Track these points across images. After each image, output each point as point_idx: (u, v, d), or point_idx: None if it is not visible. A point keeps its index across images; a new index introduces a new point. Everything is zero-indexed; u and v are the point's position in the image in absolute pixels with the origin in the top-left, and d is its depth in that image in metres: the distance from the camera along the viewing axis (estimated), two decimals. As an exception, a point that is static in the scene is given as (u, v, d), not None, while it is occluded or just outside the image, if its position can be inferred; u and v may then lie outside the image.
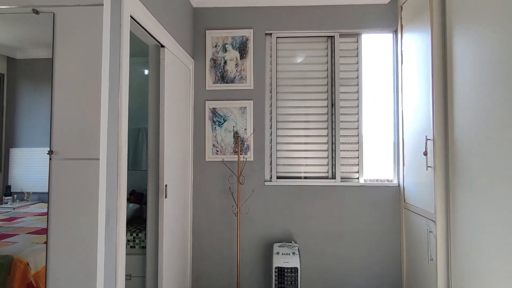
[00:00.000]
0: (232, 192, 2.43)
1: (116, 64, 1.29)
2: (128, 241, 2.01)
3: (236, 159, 2.44)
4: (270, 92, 2.53)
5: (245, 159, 2.44)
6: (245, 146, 2.45)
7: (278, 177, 2.50)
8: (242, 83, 2.48)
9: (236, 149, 2.44)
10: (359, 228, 2.39)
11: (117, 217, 1.30)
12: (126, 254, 2.01)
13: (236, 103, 2.47)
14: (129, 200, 2.46)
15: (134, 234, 2.02)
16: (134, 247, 2.02)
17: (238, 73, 2.49)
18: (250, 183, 2.44)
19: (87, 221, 1.18)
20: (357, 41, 2.51)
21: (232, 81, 2.49)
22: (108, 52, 1.23)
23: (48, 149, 1.19)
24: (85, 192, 1.18)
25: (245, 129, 2.47)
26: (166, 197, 1.89)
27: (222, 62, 2.50)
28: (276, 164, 2.50)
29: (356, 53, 2.51)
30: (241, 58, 2.49)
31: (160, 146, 1.88)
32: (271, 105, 2.52)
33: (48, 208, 1.18)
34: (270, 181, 2.48)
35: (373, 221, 2.39)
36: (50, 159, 1.19)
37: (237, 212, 2.30)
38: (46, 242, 1.17)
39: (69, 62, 1.21)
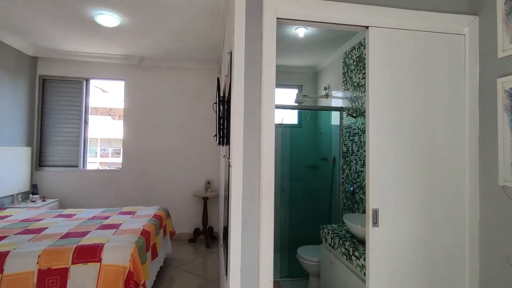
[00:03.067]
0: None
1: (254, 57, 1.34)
2: (362, 266, 1.73)
3: None
4: None
5: None
6: None
7: None
8: None
9: None
10: None
11: (259, 226, 1.32)
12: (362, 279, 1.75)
13: None
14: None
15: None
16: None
17: None
18: None
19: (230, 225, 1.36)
20: None
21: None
22: (243, 45, 1.33)
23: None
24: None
25: None
26: (376, 224, 1.41)
27: (534, -6, 1.26)
28: None
29: None
30: None
31: (367, 154, 1.45)
32: None
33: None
34: None
35: None
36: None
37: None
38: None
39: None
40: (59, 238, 2.21)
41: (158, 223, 2.85)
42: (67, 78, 4.03)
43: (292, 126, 3.77)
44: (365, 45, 2.75)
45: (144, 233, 2.40)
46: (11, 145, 3.48)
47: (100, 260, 1.95)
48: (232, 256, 1.30)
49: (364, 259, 1.71)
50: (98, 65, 4.06)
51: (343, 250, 1.97)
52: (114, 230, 2.42)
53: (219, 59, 4.01)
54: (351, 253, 1.86)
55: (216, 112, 3.54)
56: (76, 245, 2.03)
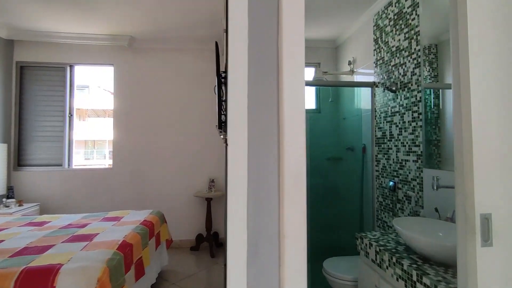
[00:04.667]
0: None
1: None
2: (438, 301, 1.11)
3: None
4: None
5: None
6: None
7: None
8: None
9: None
10: None
11: (281, 250, 0.72)
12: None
13: None
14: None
15: (449, 294, 1.07)
16: (448, 318, 1.07)
17: None
18: None
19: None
20: None
21: None
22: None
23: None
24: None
25: None
26: (488, 242, 0.79)
27: None
28: None
29: None
30: None
31: (463, 135, 0.83)
32: None
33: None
34: None
35: None
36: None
37: None
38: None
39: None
40: (9, 256, 1.66)
41: (147, 232, 2.28)
42: (49, 64, 3.51)
43: (309, 111, 3.16)
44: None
45: (124, 247, 1.83)
46: (-18, 141, 2.97)
47: (52, 290, 1.38)
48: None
49: (443, 292, 1.09)
50: (83, 48, 3.53)
51: (400, 272, 1.35)
52: (85, 243, 1.86)
53: (222, 35, 3.42)
54: (415, 279, 1.24)
55: (217, 95, 2.95)
56: (24, 267, 1.47)
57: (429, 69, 1.85)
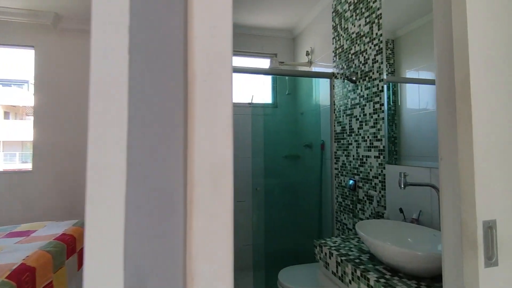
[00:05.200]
0: None
1: None
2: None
3: None
4: None
5: None
6: None
7: None
8: None
9: None
10: None
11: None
12: None
13: None
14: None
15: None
16: None
17: None
18: None
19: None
20: None
21: None
22: None
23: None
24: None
25: None
26: (493, 261, 0.57)
27: None
28: None
29: None
30: None
31: (458, 114, 0.60)
32: None
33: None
34: None
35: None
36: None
37: None
38: None
39: None
40: None
41: (64, 248, 1.82)
42: None
43: (265, 106, 2.91)
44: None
45: (20, 273, 1.38)
46: None
47: None
48: None
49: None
50: (-7, 25, 2.89)
51: (365, 287, 1.12)
52: (-39, 272, 1.37)
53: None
54: (383, 297, 1.02)
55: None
56: None
57: (386, 65, 1.69)
